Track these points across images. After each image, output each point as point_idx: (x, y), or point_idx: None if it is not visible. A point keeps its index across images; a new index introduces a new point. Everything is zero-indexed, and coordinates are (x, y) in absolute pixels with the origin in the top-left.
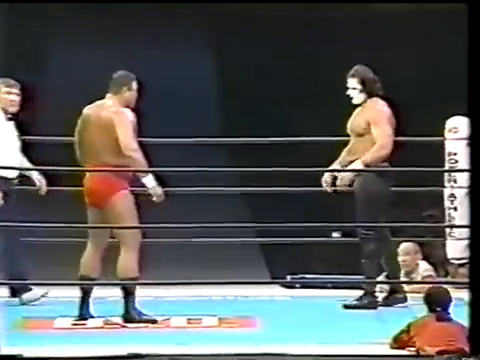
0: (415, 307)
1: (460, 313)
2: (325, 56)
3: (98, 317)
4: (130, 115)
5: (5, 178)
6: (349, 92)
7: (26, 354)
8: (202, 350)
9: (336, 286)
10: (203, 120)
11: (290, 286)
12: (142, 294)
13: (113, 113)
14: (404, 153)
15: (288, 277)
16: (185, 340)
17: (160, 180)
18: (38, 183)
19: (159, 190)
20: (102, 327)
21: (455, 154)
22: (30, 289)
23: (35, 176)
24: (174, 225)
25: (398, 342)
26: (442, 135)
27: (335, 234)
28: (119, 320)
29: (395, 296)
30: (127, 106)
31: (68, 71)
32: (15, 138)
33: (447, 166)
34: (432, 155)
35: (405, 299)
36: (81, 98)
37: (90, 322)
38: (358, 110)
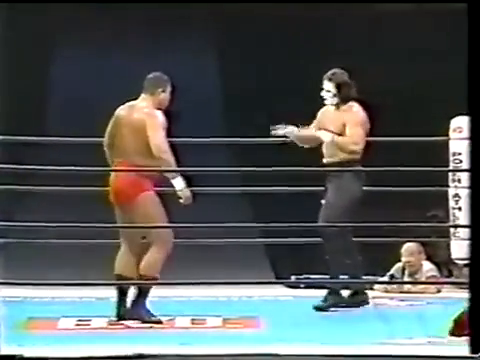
0: (418, 308)
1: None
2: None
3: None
4: (161, 117)
5: None
6: (323, 94)
7: (30, 354)
8: (206, 350)
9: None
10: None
11: (294, 286)
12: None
13: (145, 114)
14: (406, 153)
15: (292, 277)
16: (189, 340)
17: (189, 182)
18: None
19: (188, 192)
20: (106, 327)
21: (459, 154)
22: None
23: None
24: (178, 225)
25: (459, 325)
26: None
27: None
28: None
29: (358, 297)
30: (159, 108)
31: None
32: None
33: (451, 166)
34: (434, 155)
35: (367, 302)
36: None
37: (94, 322)
38: (333, 112)
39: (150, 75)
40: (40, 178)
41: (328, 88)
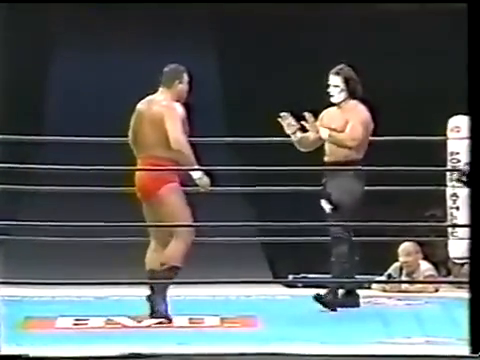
0: (416, 307)
1: (463, 313)
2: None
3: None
4: (180, 109)
5: None
6: (330, 90)
7: (30, 354)
8: (204, 350)
9: (339, 286)
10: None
11: (292, 285)
12: (143, 294)
13: (164, 107)
14: (405, 152)
15: (290, 276)
16: (187, 340)
17: (208, 172)
18: None
19: (206, 180)
20: (103, 327)
21: (457, 153)
22: None
23: None
24: (175, 224)
25: None
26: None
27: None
28: (175, 319)
29: (351, 298)
30: (178, 100)
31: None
32: None
33: (449, 166)
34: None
35: (358, 303)
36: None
37: (91, 321)
38: (334, 110)
39: (166, 68)
40: (54, 178)
41: (336, 83)
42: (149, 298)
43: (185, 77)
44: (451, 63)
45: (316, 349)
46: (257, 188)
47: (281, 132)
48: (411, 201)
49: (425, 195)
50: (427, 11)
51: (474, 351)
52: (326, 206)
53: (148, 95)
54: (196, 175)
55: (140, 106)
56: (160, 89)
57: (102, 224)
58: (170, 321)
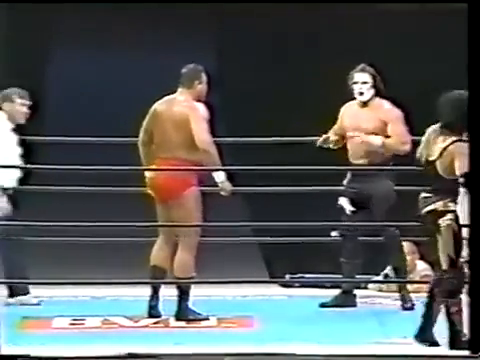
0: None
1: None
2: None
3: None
4: (203, 109)
5: (4, 188)
6: (360, 87)
7: (28, 354)
8: (201, 350)
9: (335, 285)
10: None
11: (289, 285)
12: (140, 294)
13: (187, 108)
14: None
15: (287, 276)
16: (184, 340)
17: (230, 176)
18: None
19: (229, 185)
20: (100, 327)
21: None
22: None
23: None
24: (171, 224)
25: None
26: None
27: (334, 233)
28: (172, 318)
29: (348, 297)
30: (198, 100)
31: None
32: (17, 148)
33: None
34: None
35: (354, 304)
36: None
37: (88, 321)
38: (359, 109)
39: (184, 69)
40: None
41: (365, 79)
42: (151, 299)
43: (204, 77)
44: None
45: (313, 349)
46: (265, 188)
47: (282, 132)
48: (406, 201)
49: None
50: (427, 11)
51: (474, 351)
52: (347, 207)
53: (164, 96)
54: (220, 179)
55: (158, 106)
56: (179, 89)
57: (98, 224)
58: (208, 319)
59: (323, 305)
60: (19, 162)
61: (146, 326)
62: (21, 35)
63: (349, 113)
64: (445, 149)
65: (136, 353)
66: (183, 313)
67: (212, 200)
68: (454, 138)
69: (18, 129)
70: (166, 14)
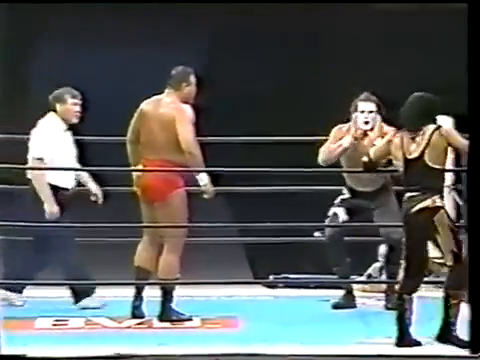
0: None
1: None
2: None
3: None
4: (190, 111)
5: (61, 188)
6: (366, 116)
7: (25, 354)
8: (185, 351)
9: (319, 286)
10: None
11: (273, 286)
12: (123, 294)
13: (173, 109)
14: None
15: (271, 277)
16: (167, 341)
17: (214, 177)
18: (94, 193)
19: (211, 188)
20: (83, 327)
21: None
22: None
23: (91, 186)
24: (156, 225)
25: None
26: None
27: (317, 233)
28: (155, 319)
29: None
30: (186, 102)
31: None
32: (72, 147)
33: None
34: None
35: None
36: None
37: (71, 322)
38: (365, 137)
39: (173, 70)
40: None
41: (371, 108)
42: (135, 300)
43: (192, 79)
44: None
45: (297, 349)
46: (247, 188)
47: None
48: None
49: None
50: (427, 11)
51: (474, 351)
52: (342, 216)
53: (151, 96)
54: (203, 181)
55: (145, 106)
56: (167, 90)
57: (83, 225)
58: (192, 319)
59: (336, 307)
60: (74, 163)
61: (129, 327)
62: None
63: (362, 143)
64: (429, 141)
65: (120, 353)
66: (167, 314)
67: (197, 201)
68: (432, 127)
69: (72, 129)
70: (157, 13)
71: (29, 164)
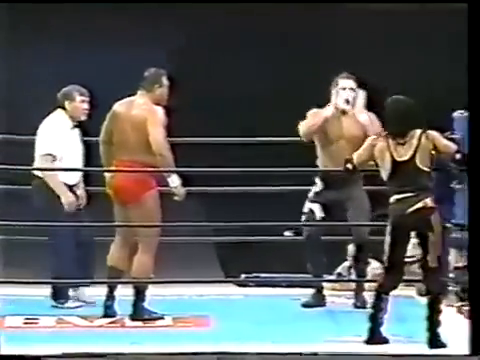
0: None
1: (410, 310)
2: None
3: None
4: (161, 113)
5: (67, 185)
6: (348, 93)
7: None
8: (157, 349)
9: (290, 285)
10: None
11: (244, 285)
12: (96, 293)
13: (145, 111)
14: None
15: (242, 276)
16: (139, 339)
17: (184, 179)
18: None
19: (182, 190)
20: (54, 326)
21: None
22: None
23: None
24: (130, 224)
25: None
26: None
27: (287, 233)
28: (127, 318)
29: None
30: (158, 103)
31: None
32: (79, 145)
33: None
34: None
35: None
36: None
37: (42, 321)
38: (342, 117)
39: (146, 72)
40: None
41: (351, 85)
42: (107, 299)
43: (165, 81)
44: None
45: (268, 348)
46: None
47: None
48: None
49: (373, 196)
50: (427, 11)
51: (474, 351)
52: (318, 213)
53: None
54: (174, 183)
55: (118, 107)
56: (139, 92)
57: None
58: (163, 318)
59: (306, 305)
60: (81, 160)
61: (101, 326)
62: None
63: (337, 121)
64: (419, 144)
65: (92, 352)
66: (139, 313)
67: (169, 201)
68: (419, 131)
69: (80, 126)
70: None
71: (36, 162)
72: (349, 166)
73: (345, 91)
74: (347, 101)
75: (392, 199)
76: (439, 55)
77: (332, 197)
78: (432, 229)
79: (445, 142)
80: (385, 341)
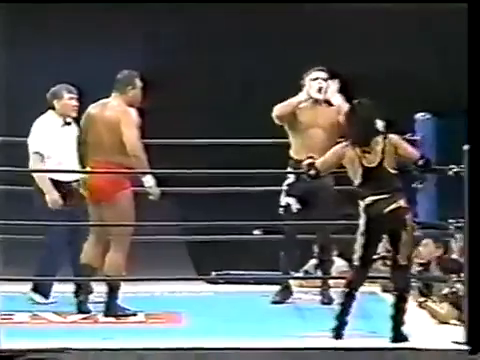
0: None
1: (373, 306)
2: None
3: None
4: (134, 114)
5: (62, 182)
6: (321, 83)
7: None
8: (129, 345)
9: (258, 282)
10: None
11: (215, 282)
12: (71, 290)
13: (119, 113)
14: None
15: (213, 273)
16: (112, 335)
17: (158, 180)
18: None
19: (157, 189)
20: (29, 322)
21: None
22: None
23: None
24: (104, 223)
25: None
26: None
27: (257, 232)
28: (101, 315)
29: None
30: (132, 105)
31: None
32: (71, 143)
33: None
34: None
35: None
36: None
37: (17, 317)
38: (316, 108)
39: (119, 74)
40: None
41: (324, 76)
42: (76, 294)
43: (138, 83)
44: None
45: (237, 343)
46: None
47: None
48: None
49: (341, 196)
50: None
51: (474, 351)
52: (294, 205)
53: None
54: (148, 183)
55: (92, 110)
56: (113, 94)
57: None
58: (136, 315)
59: (275, 302)
60: (74, 158)
61: (75, 322)
62: None
63: (303, 109)
64: (384, 149)
65: (66, 347)
66: (112, 309)
67: (143, 201)
68: (382, 136)
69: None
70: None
71: (30, 159)
72: (312, 172)
73: (317, 81)
74: (319, 89)
75: (367, 201)
76: (405, 55)
77: (305, 187)
78: (406, 228)
79: (408, 149)
80: (341, 336)
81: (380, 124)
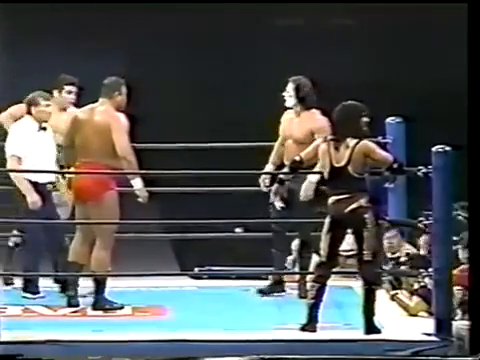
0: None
1: (348, 300)
2: None
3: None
4: (124, 119)
5: (38, 183)
6: (284, 94)
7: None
8: (117, 337)
9: (240, 277)
10: None
11: (198, 277)
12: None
13: (109, 117)
14: None
15: (196, 269)
16: (101, 327)
17: (147, 182)
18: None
19: (145, 192)
20: (19, 315)
21: None
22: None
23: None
24: (91, 221)
25: None
26: None
27: (238, 229)
28: (89, 308)
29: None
30: (119, 109)
31: None
32: (48, 146)
33: None
34: None
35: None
36: None
37: (9, 310)
38: (295, 119)
39: (106, 80)
40: None
41: (288, 89)
42: (63, 290)
43: (124, 89)
44: None
45: (220, 335)
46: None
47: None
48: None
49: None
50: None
51: (474, 351)
52: (278, 203)
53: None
54: (137, 186)
55: (80, 114)
56: (100, 99)
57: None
58: (123, 308)
59: (261, 291)
60: (50, 161)
61: (65, 315)
62: None
63: (285, 122)
64: (352, 152)
65: (55, 339)
66: (100, 303)
67: (130, 200)
68: (354, 141)
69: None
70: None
71: (7, 162)
72: (297, 158)
73: (284, 92)
74: (284, 101)
75: (331, 200)
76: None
77: (289, 186)
78: (366, 227)
79: (382, 154)
80: (316, 328)
81: (365, 129)
